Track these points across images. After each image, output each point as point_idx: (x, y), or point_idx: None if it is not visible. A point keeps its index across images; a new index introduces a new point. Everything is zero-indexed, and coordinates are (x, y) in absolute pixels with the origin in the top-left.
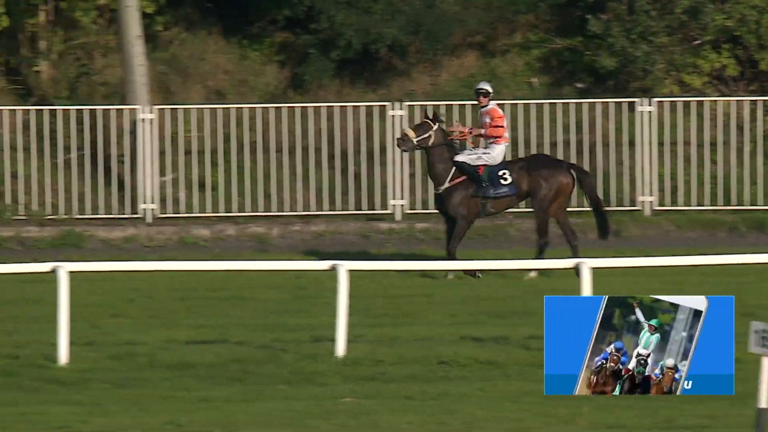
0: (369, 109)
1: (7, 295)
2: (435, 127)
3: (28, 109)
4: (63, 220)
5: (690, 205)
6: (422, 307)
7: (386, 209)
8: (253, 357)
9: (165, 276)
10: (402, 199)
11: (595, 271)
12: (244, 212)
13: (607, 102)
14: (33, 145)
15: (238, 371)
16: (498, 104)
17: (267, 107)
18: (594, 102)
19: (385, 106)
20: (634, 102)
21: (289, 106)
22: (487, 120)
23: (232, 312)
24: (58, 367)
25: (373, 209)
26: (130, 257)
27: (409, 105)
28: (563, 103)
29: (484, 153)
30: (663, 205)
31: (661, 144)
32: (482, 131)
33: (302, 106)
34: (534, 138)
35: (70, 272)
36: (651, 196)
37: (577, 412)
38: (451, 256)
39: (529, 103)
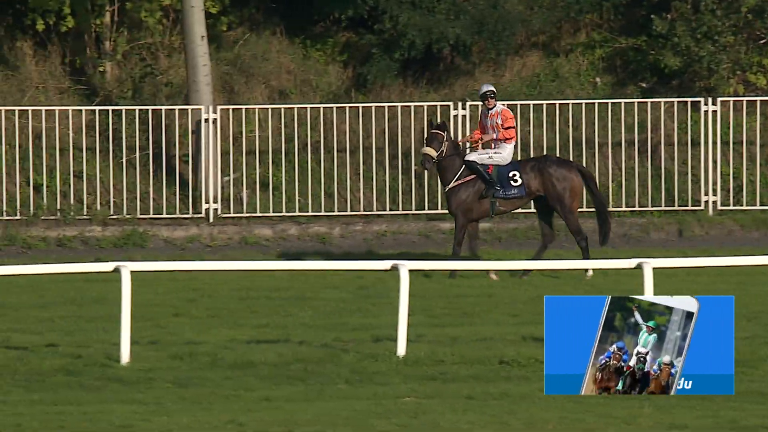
0: (431, 108)
1: (71, 294)
2: (445, 137)
3: (93, 110)
4: (126, 219)
5: (754, 205)
6: (483, 307)
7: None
8: (314, 356)
9: (227, 275)
10: None
11: (660, 271)
12: (306, 212)
13: (671, 102)
14: (97, 145)
15: (299, 371)
16: (508, 105)
17: (329, 107)
18: (658, 101)
19: (447, 105)
20: (698, 101)
21: (351, 106)
22: (498, 121)
23: (294, 311)
24: (121, 366)
25: (435, 209)
26: (192, 257)
27: (471, 105)
28: (627, 102)
29: (495, 153)
30: (726, 205)
31: (725, 143)
32: (493, 135)
33: (365, 106)
34: (597, 137)
35: (133, 272)
36: (714, 195)
37: (638, 413)
38: (455, 256)
39: (592, 103)
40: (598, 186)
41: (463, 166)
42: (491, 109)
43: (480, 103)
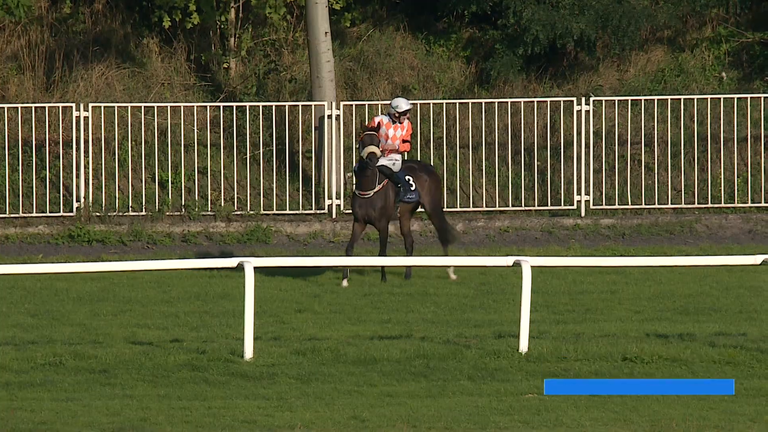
0: (555, 104)
1: (195, 290)
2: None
3: (217, 106)
4: (249, 215)
5: None
6: (607, 304)
7: (571, 205)
8: (436, 353)
9: (349, 271)
10: (587, 194)
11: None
12: None
13: None
14: (221, 142)
15: (421, 367)
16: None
17: (452, 103)
18: None
19: (571, 101)
20: None
21: (474, 102)
22: (403, 133)
23: (417, 307)
24: (244, 361)
25: (558, 205)
26: (315, 253)
27: (595, 100)
28: (753, 97)
29: (396, 160)
30: None
31: None
32: (396, 146)
33: (487, 102)
34: (722, 133)
35: (256, 267)
36: None
37: (764, 410)
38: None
39: (718, 98)
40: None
41: (378, 172)
42: (401, 123)
43: (391, 112)
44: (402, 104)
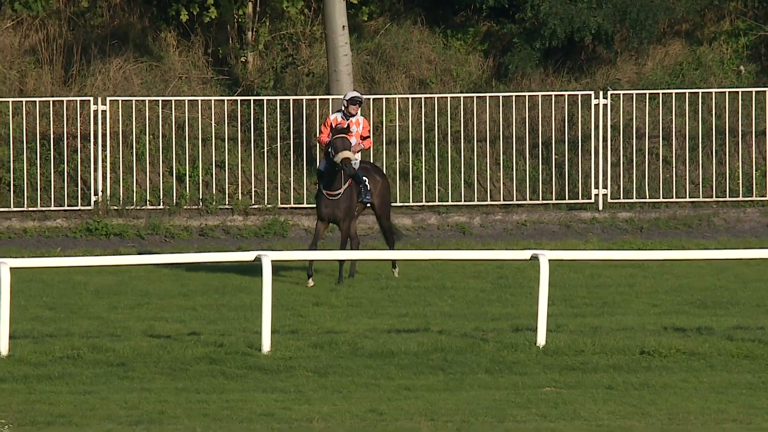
0: (573, 98)
1: (213, 283)
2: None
3: (235, 100)
4: (267, 209)
5: None
6: (624, 297)
7: (589, 199)
8: (454, 346)
9: (367, 265)
10: (605, 188)
11: None
12: (446, 201)
13: None
14: (238, 135)
15: (439, 360)
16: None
17: (470, 96)
18: None
19: (588, 95)
20: None
21: (491, 96)
22: (359, 129)
23: (434, 301)
24: (262, 354)
25: (576, 199)
26: (332, 246)
27: (613, 94)
28: None
29: (356, 160)
30: None
31: None
32: (361, 144)
33: (505, 96)
34: (740, 126)
35: (274, 261)
36: None
37: None
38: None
39: (736, 91)
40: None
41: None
42: (353, 116)
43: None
44: (349, 93)
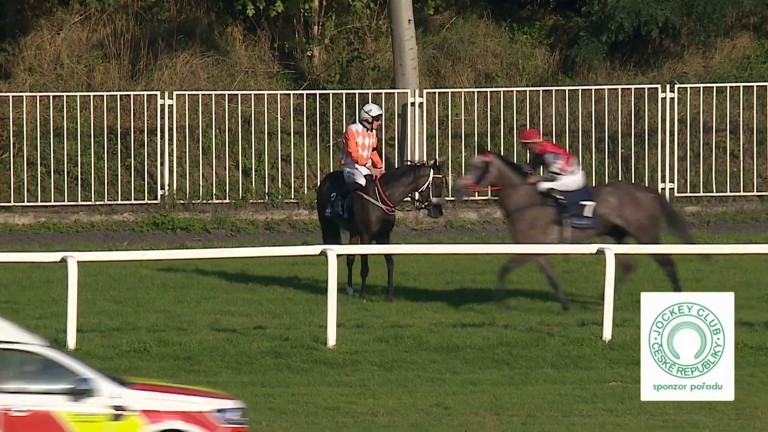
0: (639, 91)
1: (278, 277)
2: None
3: (301, 94)
4: None
5: None
6: (691, 291)
7: None
8: (519, 340)
9: (432, 259)
10: (672, 182)
11: None
12: None
13: None
14: (304, 129)
15: (504, 354)
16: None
17: (536, 90)
18: None
19: (655, 88)
20: None
21: (558, 89)
22: (372, 141)
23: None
24: (327, 348)
25: None
26: (398, 240)
27: (680, 87)
28: None
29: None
30: None
31: None
32: (372, 157)
33: (571, 89)
34: None
35: (339, 255)
36: None
37: None
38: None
39: None
40: None
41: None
42: (375, 129)
43: (366, 119)
44: (375, 109)
